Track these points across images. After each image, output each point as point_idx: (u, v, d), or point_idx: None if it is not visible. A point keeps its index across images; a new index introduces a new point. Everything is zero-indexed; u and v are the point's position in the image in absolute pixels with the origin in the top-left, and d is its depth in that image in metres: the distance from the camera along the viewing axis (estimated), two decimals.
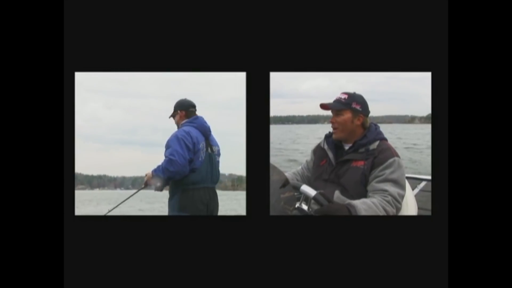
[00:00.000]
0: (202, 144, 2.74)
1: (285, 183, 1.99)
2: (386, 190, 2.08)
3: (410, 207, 2.31)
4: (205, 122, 2.82)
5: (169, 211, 2.76)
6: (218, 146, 2.87)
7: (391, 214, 2.06)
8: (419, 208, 2.47)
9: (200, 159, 2.72)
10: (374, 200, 2.06)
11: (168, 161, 2.64)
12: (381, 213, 2.03)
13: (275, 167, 2.06)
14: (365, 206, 2.02)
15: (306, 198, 2.08)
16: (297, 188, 2.07)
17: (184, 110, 2.83)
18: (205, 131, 2.79)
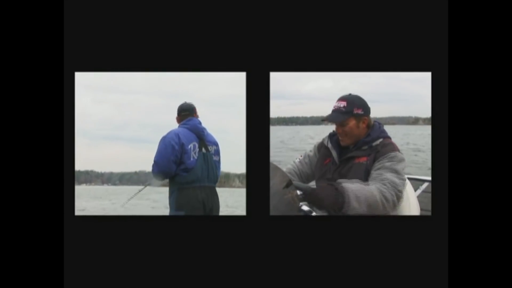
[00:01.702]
0: (192, 145, 2.81)
1: (289, 183, 2.01)
2: (385, 178, 2.09)
3: (412, 208, 2.35)
4: (199, 123, 2.90)
5: (169, 210, 2.85)
6: (216, 146, 2.94)
7: (390, 200, 2.05)
8: (421, 209, 2.49)
9: (191, 159, 2.79)
10: (372, 186, 2.06)
11: (153, 163, 2.78)
12: (378, 196, 2.02)
13: (277, 168, 2.08)
14: (354, 186, 2.02)
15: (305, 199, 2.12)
16: (300, 188, 2.10)
17: (178, 115, 2.96)
18: (198, 132, 2.86)
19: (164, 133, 2.84)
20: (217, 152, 2.94)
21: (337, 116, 2.27)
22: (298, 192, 2.10)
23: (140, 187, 2.96)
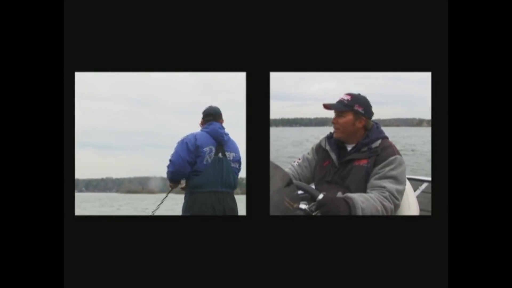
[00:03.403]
0: (209, 148, 2.85)
1: (289, 182, 2.05)
2: (384, 187, 2.15)
3: (411, 208, 2.36)
4: (220, 128, 2.93)
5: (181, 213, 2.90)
6: (235, 153, 2.95)
7: (389, 209, 2.12)
8: (420, 210, 2.51)
9: (204, 162, 2.83)
10: (372, 195, 2.13)
11: (169, 162, 2.85)
12: (379, 206, 2.09)
13: (278, 167, 2.11)
14: (362, 198, 2.09)
15: (305, 198, 2.16)
16: (300, 188, 2.14)
17: (202, 118, 3.00)
18: (217, 136, 2.89)
19: (133, 140, 2.89)
20: (236, 160, 2.95)
21: (338, 105, 2.33)
22: (299, 191, 2.14)
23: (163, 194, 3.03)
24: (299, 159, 2.52)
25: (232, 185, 2.90)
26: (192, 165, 2.83)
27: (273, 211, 2.08)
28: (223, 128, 2.95)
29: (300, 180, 2.43)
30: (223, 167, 2.88)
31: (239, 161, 2.97)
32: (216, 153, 2.87)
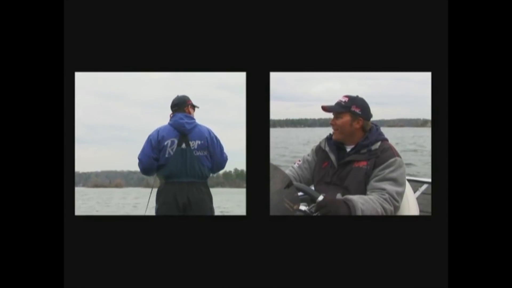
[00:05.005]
0: (170, 141, 2.90)
1: (289, 184, 2.09)
2: (383, 189, 2.19)
3: (411, 209, 2.39)
4: (181, 119, 2.94)
5: None
6: (201, 140, 2.93)
7: (388, 211, 2.15)
8: (420, 211, 2.52)
9: (166, 155, 2.89)
10: (371, 197, 2.17)
11: (138, 161, 2.92)
12: (379, 208, 2.13)
13: (278, 169, 2.15)
14: (362, 200, 2.13)
15: (305, 200, 2.20)
16: (300, 189, 2.17)
17: (172, 111, 3.04)
18: (179, 127, 2.92)
19: (101, 133, 2.93)
20: (202, 147, 2.94)
21: (335, 107, 2.39)
22: (299, 193, 2.18)
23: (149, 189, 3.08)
24: (299, 160, 2.56)
25: (199, 175, 2.92)
26: (158, 160, 2.90)
27: (273, 213, 2.12)
28: (187, 117, 2.96)
29: (301, 182, 2.48)
30: (187, 157, 2.90)
31: (206, 148, 2.95)
32: (179, 144, 2.91)
